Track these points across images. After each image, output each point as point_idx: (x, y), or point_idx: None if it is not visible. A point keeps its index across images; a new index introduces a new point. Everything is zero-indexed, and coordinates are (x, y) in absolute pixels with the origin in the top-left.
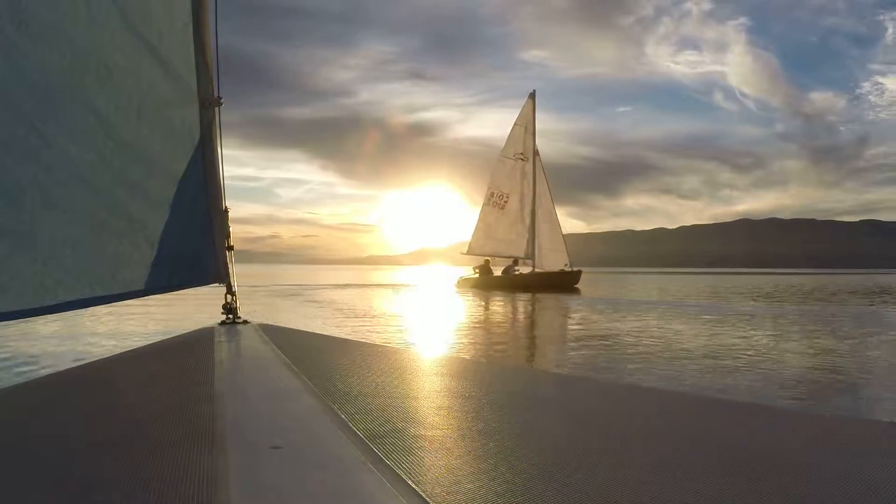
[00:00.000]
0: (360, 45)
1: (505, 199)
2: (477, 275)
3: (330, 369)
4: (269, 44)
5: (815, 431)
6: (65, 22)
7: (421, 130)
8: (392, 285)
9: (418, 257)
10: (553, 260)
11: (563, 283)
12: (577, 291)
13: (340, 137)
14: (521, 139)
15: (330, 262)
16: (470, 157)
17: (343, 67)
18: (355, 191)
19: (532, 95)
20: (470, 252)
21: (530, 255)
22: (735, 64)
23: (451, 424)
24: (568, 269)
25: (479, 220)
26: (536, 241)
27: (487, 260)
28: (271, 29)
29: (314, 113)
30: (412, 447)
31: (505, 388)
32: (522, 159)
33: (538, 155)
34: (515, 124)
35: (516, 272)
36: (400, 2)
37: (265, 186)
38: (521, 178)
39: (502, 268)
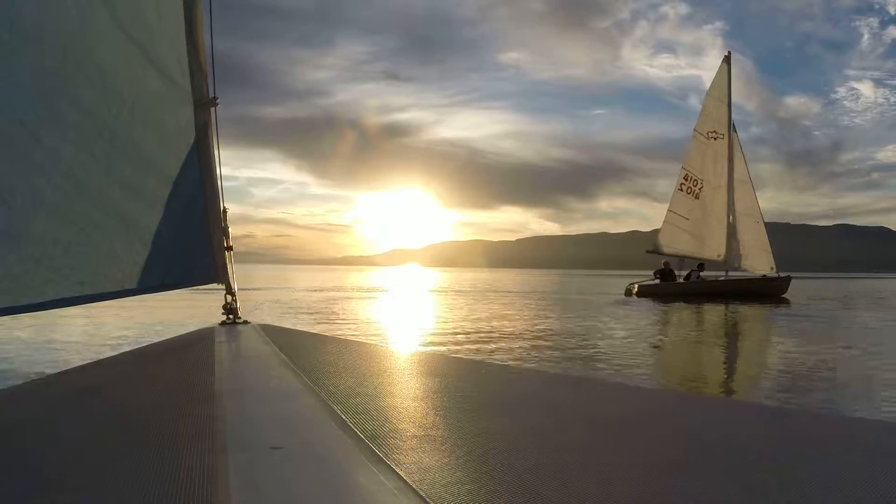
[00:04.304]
0: (336, 45)
1: (700, 185)
2: (657, 280)
3: (331, 369)
4: (244, 42)
5: (814, 431)
6: (55, 23)
7: (396, 131)
8: (401, 289)
9: (393, 258)
10: (755, 262)
11: (766, 291)
12: (784, 302)
13: (315, 137)
14: (715, 113)
15: (305, 263)
16: (444, 159)
17: (318, 67)
18: (330, 191)
19: (727, 59)
20: (655, 250)
21: (729, 256)
22: (711, 68)
23: (450, 425)
24: (773, 273)
25: (669, 210)
26: (736, 238)
27: (666, 262)
28: (246, 28)
29: (289, 112)
30: (412, 447)
31: (507, 388)
32: (716, 137)
33: (735, 132)
34: (708, 95)
35: (700, 278)
36: (375, 2)
37: (239, 186)
38: (716, 159)
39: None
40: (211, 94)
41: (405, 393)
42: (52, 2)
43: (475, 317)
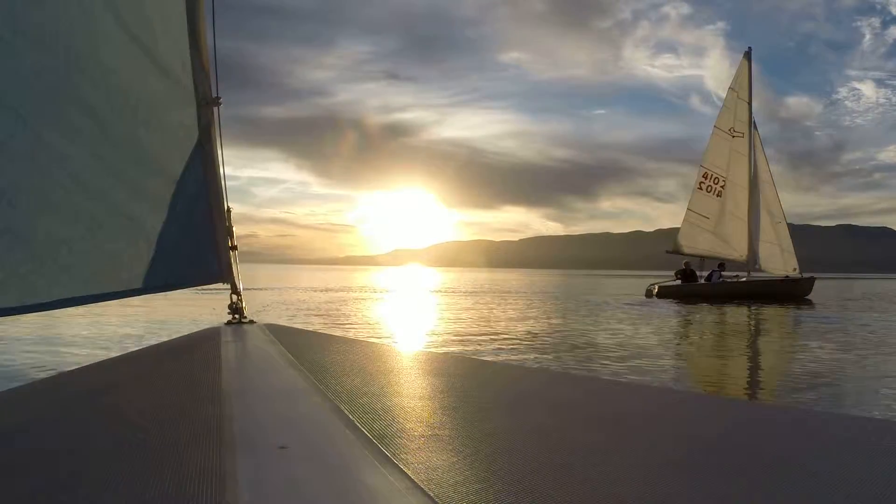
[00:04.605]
0: (337, 44)
1: (722, 183)
2: (678, 280)
3: (337, 369)
4: (244, 42)
5: (829, 431)
6: (58, 23)
7: (397, 131)
8: (439, 290)
9: (396, 258)
10: (778, 262)
11: (788, 292)
12: (808, 303)
13: (317, 137)
14: (735, 109)
15: (308, 262)
16: (446, 159)
17: (319, 67)
18: (332, 191)
19: (747, 55)
20: (676, 250)
21: (751, 257)
22: (712, 68)
23: (458, 424)
24: (796, 274)
25: (688, 209)
26: (758, 238)
27: (687, 262)
28: (246, 27)
29: (290, 112)
30: (420, 447)
31: (513, 387)
32: (735, 135)
33: (756, 129)
34: (730, 88)
35: (722, 279)
36: (375, 2)
37: (241, 185)
38: (738, 157)
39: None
40: (214, 94)
41: (412, 392)
42: (55, 3)
43: (491, 319)
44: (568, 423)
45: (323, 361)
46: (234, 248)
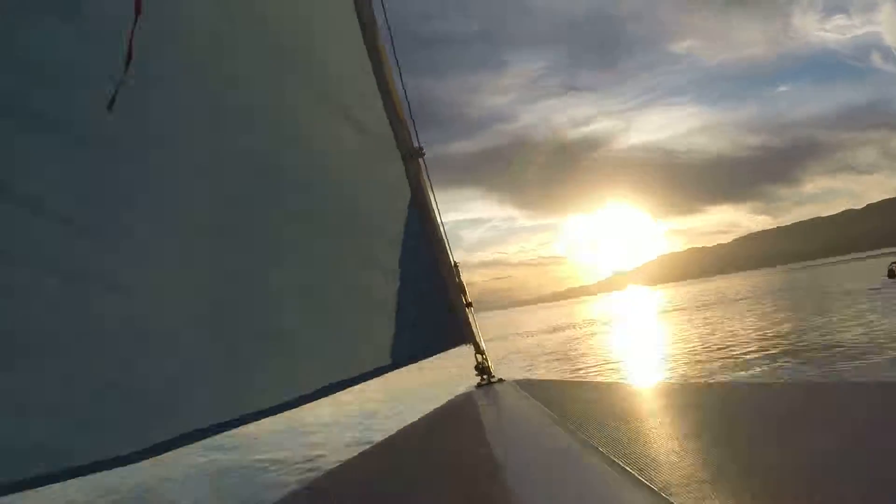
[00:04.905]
0: (509, 64)
1: None
2: None
3: (601, 418)
4: (417, 77)
5: None
6: (258, 102)
7: (586, 146)
8: None
9: (614, 283)
10: None
11: None
12: None
13: (509, 166)
14: None
15: (529, 303)
16: (642, 168)
17: (497, 91)
18: (537, 221)
19: None
20: None
21: None
22: (886, 22)
23: (746, 463)
24: None
25: None
26: None
27: None
28: (416, 61)
29: (478, 144)
30: (708, 495)
31: (787, 408)
32: None
33: None
34: None
35: None
36: (536, 14)
37: (448, 232)
38: None
39: None
40: (416, 145)
41: (681, 433)
42: (254, 84)
43: (739, 333)
44: (855, 443)
45: (584, 412)
46: (470, 304)
